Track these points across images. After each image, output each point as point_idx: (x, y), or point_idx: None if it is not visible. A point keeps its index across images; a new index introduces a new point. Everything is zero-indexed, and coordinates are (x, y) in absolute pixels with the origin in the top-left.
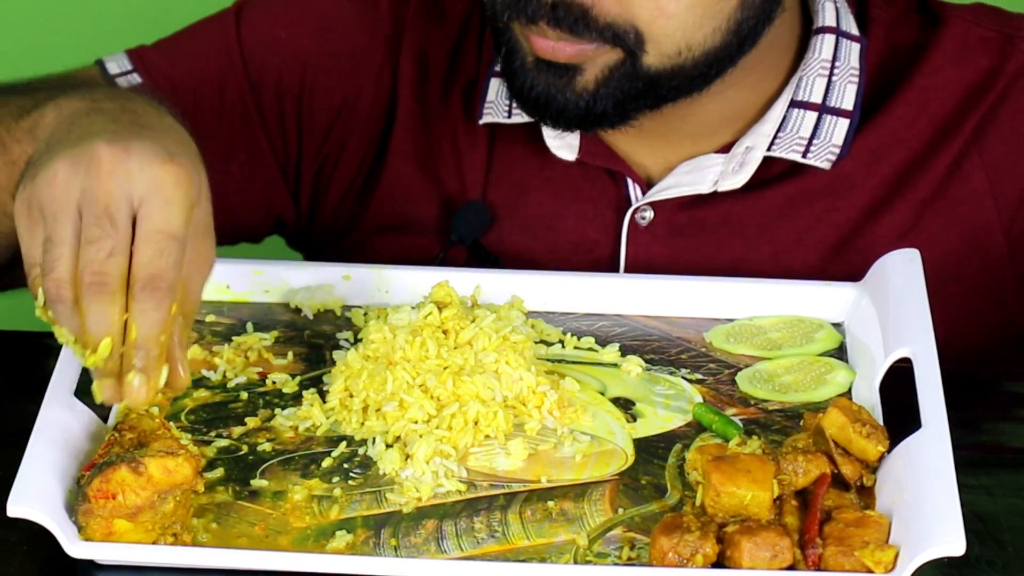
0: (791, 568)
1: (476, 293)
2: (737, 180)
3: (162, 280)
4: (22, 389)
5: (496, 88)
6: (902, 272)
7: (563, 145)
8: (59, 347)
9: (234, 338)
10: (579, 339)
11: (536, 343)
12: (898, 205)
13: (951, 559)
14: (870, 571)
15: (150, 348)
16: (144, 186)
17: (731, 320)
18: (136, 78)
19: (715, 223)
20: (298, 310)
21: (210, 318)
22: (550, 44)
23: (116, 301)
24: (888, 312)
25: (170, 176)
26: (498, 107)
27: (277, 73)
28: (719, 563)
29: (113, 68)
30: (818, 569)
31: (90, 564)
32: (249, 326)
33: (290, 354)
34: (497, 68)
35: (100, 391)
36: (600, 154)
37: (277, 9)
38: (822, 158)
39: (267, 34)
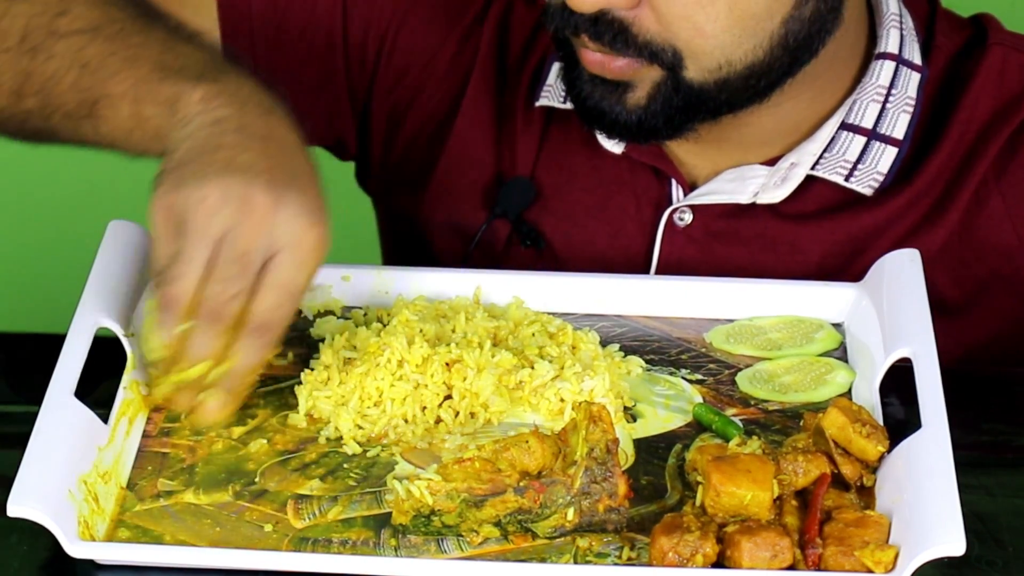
0: (791, 568)
1: (477, 293)
2: (777, 194)
3: (272, 329)
4: (22, 389)
5: (556, 72)
6: (902, 272)
7: None
8: (59, 347)
9: None
10: None
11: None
12: (931, 233)
13: (951, 559)
14: (870, 571)
15: (241, 380)
16: (285, 240)
17: (731, 320)
18: None
19: (750, 235)
20: (298, 310)
21: None
22: (597, 58)
23: (223, 335)
24: (888, 312)
25: (310, 240)
26: (555, 91)
27: (370, 8)
28: (719, 563)
29: None
30: (818, 569)
31: (90, 564)
32: None
33: (290, 354)
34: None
35: (176, 400)
36: (647, 151)
37: None
38: (865, 184)
39: None
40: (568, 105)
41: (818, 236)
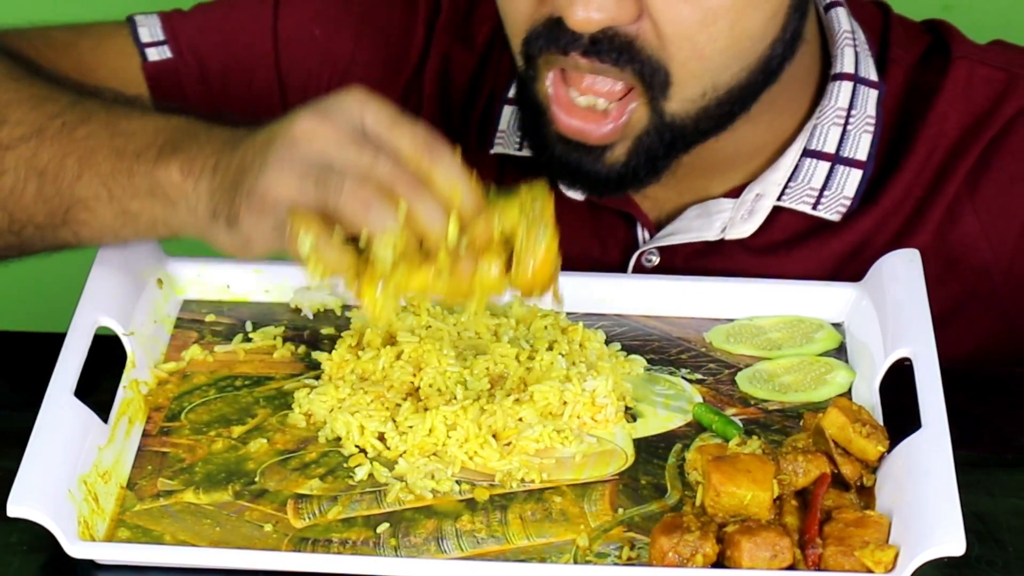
0: (791, 568)
1: None
2: (745, 229)
3: (433, 144)
4: (22, 389)
5: (508, 117)
6: (902, 272)
7: None
8: (59, 347)
9: (252, 336)
10: None
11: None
12: None
13: (951, 559)
14: (870, 571)
15: (477, 205)
16: (358, 105)
17: (731, 320)
18: (167, 52)
19: (719, 271)
20: (298, 310)
21: (210, 318)
22: (576, 119)
23: (431, 192)
24: (888, 312)
25: (358, 92)
26: (509, 138)
27: (307, 71)
28: (719, 563)
29: (145, 35)
30: (818, 569)
31: (90, 564)
32: (249, 325)
33: (290, 354)
34: (510, 95)
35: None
36: None
37: (316, 5)
38: (832, 210)
39: (304, 30)
40: (524, 152)
41: (788, 267)
